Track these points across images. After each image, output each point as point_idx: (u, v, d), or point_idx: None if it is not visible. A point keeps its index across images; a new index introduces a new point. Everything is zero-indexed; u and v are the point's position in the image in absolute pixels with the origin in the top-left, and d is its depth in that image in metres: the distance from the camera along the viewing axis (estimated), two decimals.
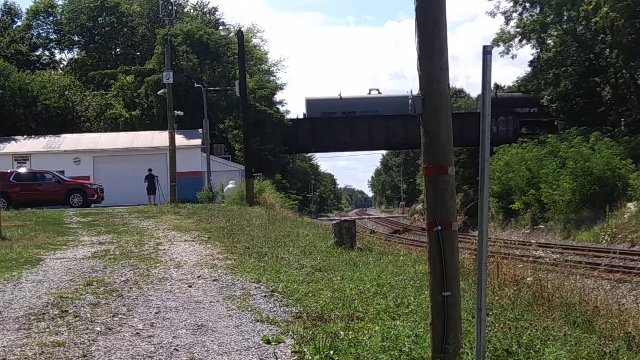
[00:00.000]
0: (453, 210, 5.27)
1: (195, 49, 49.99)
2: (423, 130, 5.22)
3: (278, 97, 55.86)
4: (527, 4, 45.79)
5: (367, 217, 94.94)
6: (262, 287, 8.82)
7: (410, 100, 5.20)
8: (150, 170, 33.39)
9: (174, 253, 12.33)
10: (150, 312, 7.43)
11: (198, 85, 43.92)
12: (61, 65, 64.58)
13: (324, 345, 5.83)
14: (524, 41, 45.85)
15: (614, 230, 27.82)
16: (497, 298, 7.61)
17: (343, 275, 9.47)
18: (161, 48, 46.47)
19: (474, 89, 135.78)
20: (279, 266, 10.35)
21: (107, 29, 62.78)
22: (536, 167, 37.22)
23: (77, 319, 7.07)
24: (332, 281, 9.01)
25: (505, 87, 67.97)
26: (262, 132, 48.33)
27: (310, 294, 8.16)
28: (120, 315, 7.26)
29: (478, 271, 4.93)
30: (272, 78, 61.10)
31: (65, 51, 66.23)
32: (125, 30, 62.86)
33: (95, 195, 29.70)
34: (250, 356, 5.82)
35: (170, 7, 55.71)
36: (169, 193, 30.87)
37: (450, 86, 6.21)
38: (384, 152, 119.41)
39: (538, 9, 45.45)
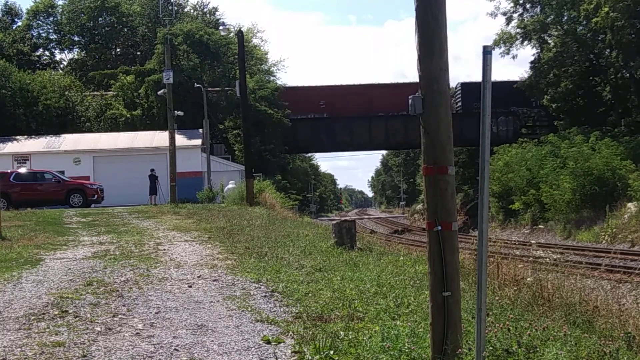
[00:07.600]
0: (453, 210, 5.26)
1: (196, 49, 49.95)
2: (423, 130, 5.22)
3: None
4: (528, 5, 45.77)
5: (367, 217, 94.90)
6: (262, 287, 8.81)
7: (410, 100, 5.20)
8: (152, 170, 33.35)
9: (174, 253, 12.33)
10: (150, 312, 7.43)
11: (198, 85, 43.86)
12: (61, 66, 64.59)
13: (324, 345, 5.83)
14: (525, 42, 45.83)
15: (614, 230, 27.79)
16: (497, 298, 7.61)
17: (343, 275, 9.46)
18: (161, 48, 46.42)
19: None
20: (279, 266, 10.35)
21: (107, 29, 62.76)
22: (536, 167, 37.19)
23: (77, 319, 7.07)
24: (332, 281, 9.00)
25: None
26: (262, 132, 48.26)
27: (310, 294, 8.16)
28: (120, 316, 7.26)
29: (478, 271, 4.93)
30: (272, 78, 61.06)
31: (66, 51, 66.29)
32: (126, 30, 62.83)
33: (96, 195, 29.68)
34: (250, 356, 5.82)
35: (170, 7, 55.72)
36: (169, 193, 30.85)
37: (451, 86, 6.21)
38: (384, 152, 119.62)
39: (538, 9, 45.42)
